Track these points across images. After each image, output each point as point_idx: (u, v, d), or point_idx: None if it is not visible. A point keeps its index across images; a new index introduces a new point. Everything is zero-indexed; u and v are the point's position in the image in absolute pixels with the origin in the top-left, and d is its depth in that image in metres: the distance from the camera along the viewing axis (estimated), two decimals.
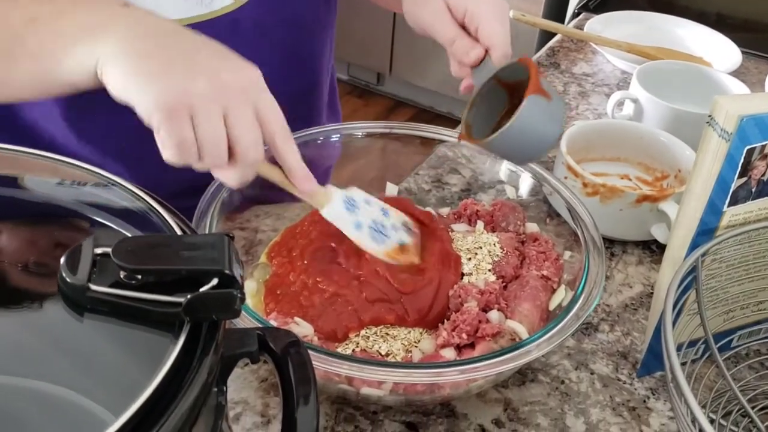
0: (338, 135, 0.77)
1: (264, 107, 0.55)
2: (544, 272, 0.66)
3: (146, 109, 0.52)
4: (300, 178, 0.60)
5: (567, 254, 0.70)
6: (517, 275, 0.67)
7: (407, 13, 0.75)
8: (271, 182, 0.61)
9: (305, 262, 0.65)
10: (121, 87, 0.53)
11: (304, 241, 0.68)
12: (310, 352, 0.52)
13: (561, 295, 0.65)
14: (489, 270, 0.67)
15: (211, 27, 0.70)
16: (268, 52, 0.79)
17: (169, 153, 0.53)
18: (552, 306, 0.65)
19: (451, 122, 2.63)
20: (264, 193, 0.72)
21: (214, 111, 0.53)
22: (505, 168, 0.77)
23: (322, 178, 0.83)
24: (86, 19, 0.56)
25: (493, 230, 0.72)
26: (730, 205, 0.58)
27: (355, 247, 0.64)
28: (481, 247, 0.69)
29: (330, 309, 0.61)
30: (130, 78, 0.52)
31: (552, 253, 0.68)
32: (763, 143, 0.55)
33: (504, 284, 0.67)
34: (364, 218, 0.65)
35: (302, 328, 0.59)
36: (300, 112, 0.87)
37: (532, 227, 0.73)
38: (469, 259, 0.68)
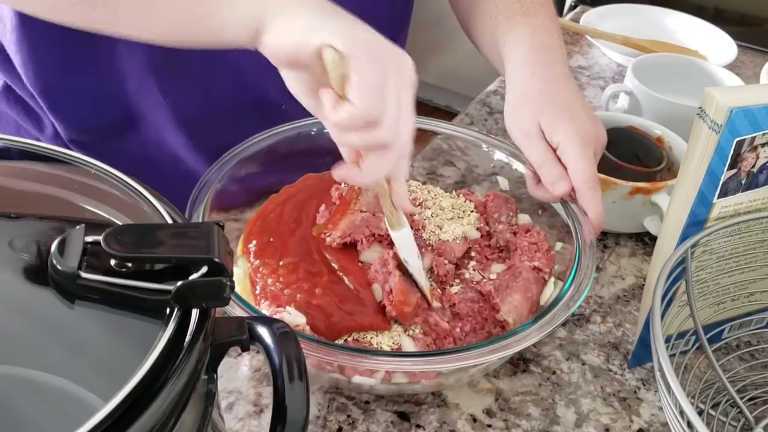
0: None
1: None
2: (536, 263, 0.67)
3: (347, 42, 0.49)
4: (401, 198, 0.60)
5: (558, 245, 0.70)
6: (511, 266, 0.68)
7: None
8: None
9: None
10: (309, 27, 0.50)
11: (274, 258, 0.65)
12: (302, 341, 0.53)
13: (551, 289, 0.66)
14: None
15: None
16: None
17: (364, 94, 0.49)
18: (543, 300, 0.66)
19: (449, 115, 2.63)
20: (257, 184, 0.72)
21: (402, 88, 0.51)
22: (498, 160, 0.77)
23: None
24: None
25: (486, 221, 0.72)
26: (720, 196, 0.58)
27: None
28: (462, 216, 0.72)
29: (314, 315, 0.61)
30: (325, 20, 0.50)
31: (544, 244, 0.69)
32: (753, 135, 0.55)
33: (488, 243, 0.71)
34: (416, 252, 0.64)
35: (294, 318, 0.59)
36: None
37: (524, 218, 0.73)
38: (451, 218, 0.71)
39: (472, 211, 0.72)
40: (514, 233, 0.71)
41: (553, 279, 0.67)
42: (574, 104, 0.71)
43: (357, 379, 0.57)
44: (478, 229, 0.71)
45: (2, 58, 0.74)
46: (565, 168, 0.68)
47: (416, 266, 0.63)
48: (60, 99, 0.74)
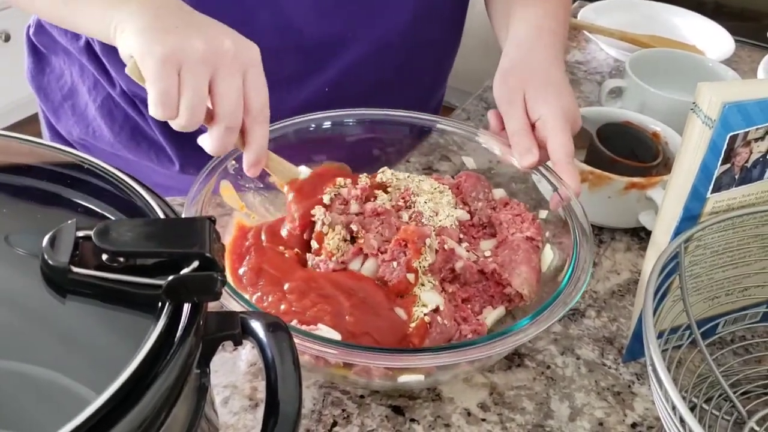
0: (330, 122, 0.78)
1: (251, 81, 0.58)
2: (528, 233, 0.68)
3: (141, 58, 0.55)
4: (251, 162, 0.62)
5: (543, 213, 0.71)
6: (502, 239, 0.69)
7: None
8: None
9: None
10: (129, 43, 0.57)
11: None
12: (303, 337, 0.53)
13: (549, 255, 0.67)
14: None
15: None
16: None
17: (151, 104, 0.55)
18: (544, 267, 0.67)
19: (447, 110, 2.62)
20: (255, 180, 0.73)
21: (201, 70, 0.55)
22: (494, 154, 0.77)
23: None
24: None
25: (463, 201, 0.73)
26: (713, 191, 0.58)
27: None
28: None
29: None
30: (138, 35, 0.56)
31: (527, 214, 0.70)
32: (746, 130, 0.55)
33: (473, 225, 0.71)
34: None
35: (327, 335, 0.57)
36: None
37: (499, 193, 0.75)
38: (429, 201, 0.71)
39: (447, 192, 0.73)
40: (494, 208, 0.72)
41: (548, 245, 0.68)
42: (561, 84, 0.73)
43: (379, 380, 0.58)
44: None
45: None
46: (539, 144, 0.70)
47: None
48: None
